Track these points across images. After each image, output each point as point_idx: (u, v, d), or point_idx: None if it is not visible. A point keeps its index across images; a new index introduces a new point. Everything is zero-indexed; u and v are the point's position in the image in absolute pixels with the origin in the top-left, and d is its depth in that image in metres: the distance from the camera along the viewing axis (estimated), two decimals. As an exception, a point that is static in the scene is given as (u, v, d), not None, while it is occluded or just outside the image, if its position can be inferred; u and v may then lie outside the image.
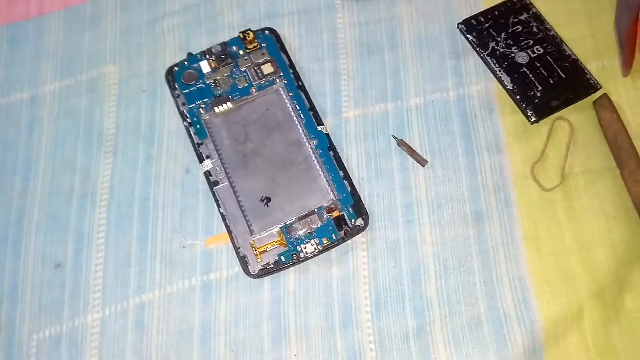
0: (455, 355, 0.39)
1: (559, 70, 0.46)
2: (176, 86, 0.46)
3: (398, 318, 0.40)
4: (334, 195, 0.43)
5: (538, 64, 0.46)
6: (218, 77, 0.46)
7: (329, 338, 0.40)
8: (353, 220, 0.42)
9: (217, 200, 0.43)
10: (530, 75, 0.46)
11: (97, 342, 0.41)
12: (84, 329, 0.42)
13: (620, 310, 0.40)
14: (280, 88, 0.46)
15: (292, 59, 0.47)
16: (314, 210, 0.43)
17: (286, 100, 0.46)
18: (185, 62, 0.47)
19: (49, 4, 0.51)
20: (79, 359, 0.41)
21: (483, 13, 0.48)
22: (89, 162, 0.46)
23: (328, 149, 0.44)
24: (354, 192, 0.43)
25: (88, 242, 0.44)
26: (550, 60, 0.46)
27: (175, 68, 0.47)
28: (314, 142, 0.44)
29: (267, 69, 0.47)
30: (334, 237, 0.42)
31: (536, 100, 0.45)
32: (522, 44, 0.47)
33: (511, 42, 0.47)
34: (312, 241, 0.42)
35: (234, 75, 0.47)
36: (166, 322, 0.41)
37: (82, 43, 0.49)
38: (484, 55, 0.47)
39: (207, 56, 0.47)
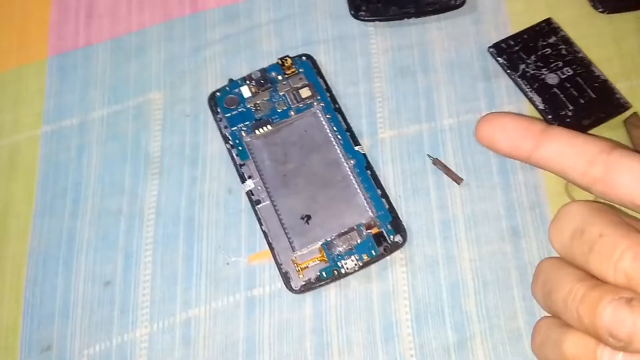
0: (495, 368, 0.40)
1: (589, 90, 0.47)
2: (218, 110, 0.49)
3: (438, 332, 0.41)
4: (373, 213, 0.44)
5: (568, 85, 0.48)
6: (258, 101, 0.48)
7: (371, 352, 0.41)
8: (392, 236, 0.44)
9: (259, 219, 0.45)
10: (561, 96, 0.47)
11: (145, 357, 0.42)
12: (132, 345, 0.43)
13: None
14: (317, 111, 0.48)
15: (328, 83, 0.49)
16: (353, 227, 0.44)
17: (324, 122, 0.47)
18: (227, 88, 0.49)
19: (96, 35, 0.53)
20: (129, 373, 0.42)
21: (512, 37, 0.50)
22: (136, 184, 0.48)
23: (365, 168, 0.46)
24: (392, 209, 0.44)
25: (136, 260, 0.45)
26: (580, 80, 0.48)
27: (217, 93, 0.49)
28: (352, 161, 0.46)
29: (305, 93, 0.49)
30: (374, 253, 0.43)
31: (568, 120, 0.46)
32: (552, 65, 0.48)
33: (541, 64, 0.49)
34: (353, 257, 0.43)
35: (273, 99, 0.49)
36: (212, 337, 0.43)
37: (129, 71, 0.52)
38: (514, 77, 0.48)
39: (248, 82, 0.49)
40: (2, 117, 0.51)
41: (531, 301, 0.41)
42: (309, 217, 0.45)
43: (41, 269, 0.46)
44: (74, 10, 0.55)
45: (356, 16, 0.52)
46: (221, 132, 0.48)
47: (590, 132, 0.46)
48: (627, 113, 0.46)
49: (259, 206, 0.45)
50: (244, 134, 0.48)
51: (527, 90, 0.48)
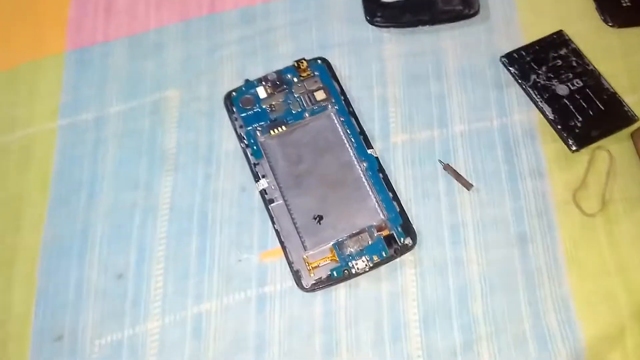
0: (501, 370, 0.41)
1: (597, 102, 0.48)
2: (234, 110, 0.49)
3: (446, 334, 0.42)
4: (384, 215, 0.45)
5: (578, 96, 0.49)
6: (273, 102, 0.49)
7: (379, 351, 0.42)
8: (402, 239, 0.44)
9: (272, 217, 0.46)
10: (571, 107, 0.48)
11: (156, 349, 0.43)
12: (144, 337, 0.44)
13: (661, 331, 0.41)
14: (332, 113, 0.49)
15: (343, 86, 0.50)
16: (364, 229, 0.45)
17: (337, 125, 0.48)
18: (243, 88, 0.50)
19: (114, 31, 0.54)
20: (140, 364, 0.43)
21: (524, 47, 0.51)
22: (151, 180, 0.48)
23: (377, 171, 0.46)
24: (403, 212, 0.45)
25: (149, 254, 0.46)
26: (589, 92, 0.49)
27: (234, 93, 0.50)
28: (364, 164, 0.47)
29: (320, 95, 0.49)
30: (384, 255, 0.44)
31: (577, 130, 0.47)
32: (562, 77, 0.49)
33: (551, 75, 0.50)
34: (363, 258, 0.44)
35: (288, 101, 0.49)
36: (222, 331, 0.43)
37: (146, 68, 0.52)
38: (525, 86, 0.49)
39: (264, 83, 0.50)
40: (19, 109, 0.52)
41: (537, 306, 0.42)
42: (321, 218, 0.45)
43: (55, 260, 0.46)
44: (92, 7, 0.55)
45: (371, 22, 0.53)
46: (236, 131, 0.49)
47: (598, 143, 0.47)
48: (635, 126, 0.47)
49: (272, 205, 0.46)
50: (258, 133, 0.48)
51: (537, 100, 0.49)
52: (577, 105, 0.48)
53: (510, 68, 0.50)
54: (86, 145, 0.50)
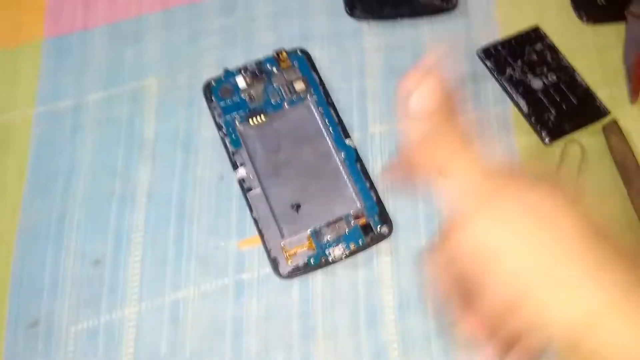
0: (474, 355, 0.42)
1: (571, 97, 0.49)
2: (213, 99, 0.49)
3: (420, 320, 0.43)
4: (361, 204, 0.46)
5: (552, 90, 0.50)
6: (252, 92, 0.50)
7: (355, 337, 0.43)
8: (378, 227, 0.45)
9: (250, 206, 0.46)
10: (545, 100, 0.49)
11: (133, 334, 0.43)
12: (120, 322, 0.44)
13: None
14: (311, 104, 0.49)
15: (322, 77, 0.50)
16: (341, 217, 0.45)
17: (316, 115, 0.49)
18: (222, 77, 0.50)
19: (93, 19, 0.54)
20: (116, 350, 0.43)
21: (500, 42, 0.52)
22: (128, 167, 0.48)
23: (355, 161, 0.47)
24: (379, 201, 0.46)
25: (127, 241, 0.46)
26: (563, 87, 0.50)
27: (213, 82, 0.50)
28: (342, 154, 0.47)
29: (299, 86, 0.50)
30: (361, 243, 0.44)
31: (550, 124, 0.48)
32: (537, 71, 0.50)
33: (527, 70, 0.51)
34: (340, 246, 0.44)
35: (267, 91, 0.50)
36: (200, 318, 0.44)
37: (125, 57, 0.52)
38: (501, 80, 0.50)
39: (243, 72, 0.50)
40: (-3, 95, 0.52)
41: (510, 294, 0.43)
42: (298, 206, 0.46)
43: (30, 246, 0.46)
44: (71, -6, 0.55)
45: (351, 14, 0.53)
46: (215, 120, 0.49)
47: (571, 135, 0.48)
48: (607, 120, 0.48)
49: (250, 193, 0.46)
50: (237, 122, 0.49)
51: (512, 93, 0.50)
52: (551, 99, 0.49)
53: (486, 62, 0.51)
54: (64, 133, 0.50)
